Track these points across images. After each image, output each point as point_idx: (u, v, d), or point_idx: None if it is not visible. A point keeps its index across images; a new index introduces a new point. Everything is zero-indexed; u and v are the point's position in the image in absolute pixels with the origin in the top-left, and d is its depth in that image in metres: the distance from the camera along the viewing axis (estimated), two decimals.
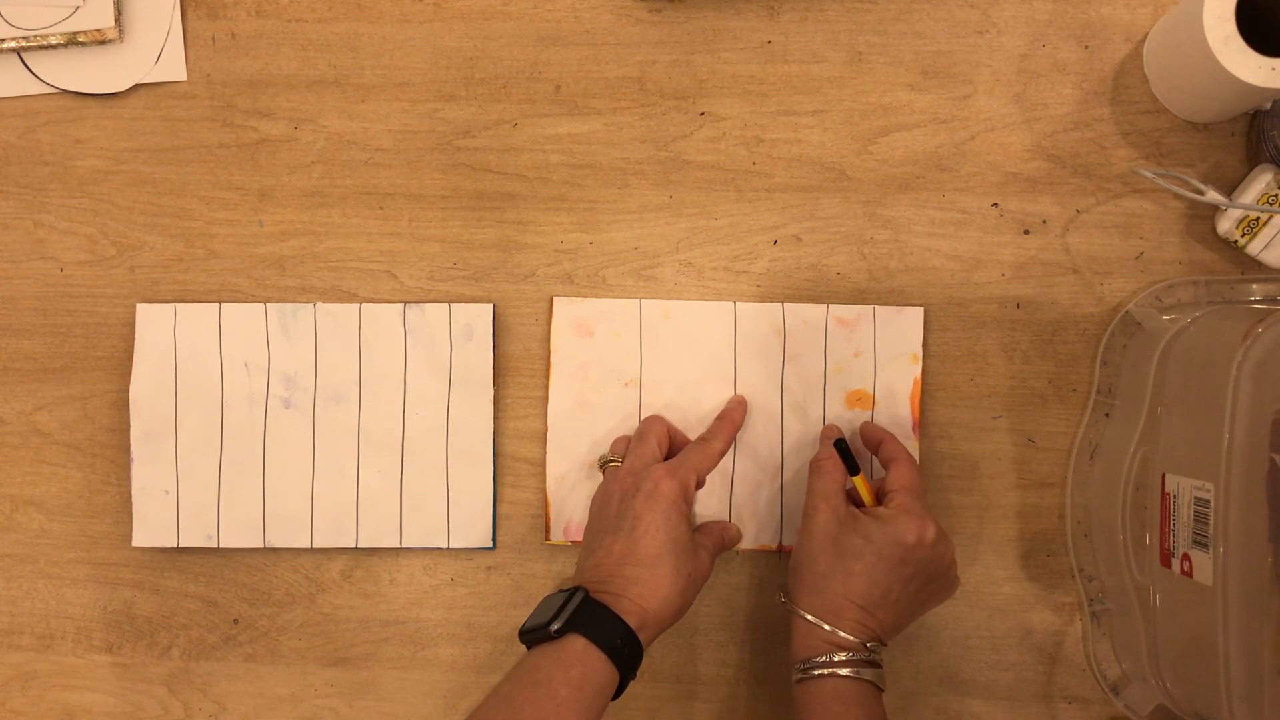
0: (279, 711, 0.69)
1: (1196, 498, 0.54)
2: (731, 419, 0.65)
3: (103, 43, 0.68)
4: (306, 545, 0.68)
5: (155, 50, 0.69)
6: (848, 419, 0.66)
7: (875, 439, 0.64)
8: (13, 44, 0.68)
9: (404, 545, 0.68)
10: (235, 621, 0.69)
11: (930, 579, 0.59)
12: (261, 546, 0.68)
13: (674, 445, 0.65)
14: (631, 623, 0.55)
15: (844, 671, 0.56)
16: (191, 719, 0.69)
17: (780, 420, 0.66)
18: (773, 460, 0.66)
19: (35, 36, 0.68)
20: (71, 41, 0.68)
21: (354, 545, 0.68)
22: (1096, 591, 0.64)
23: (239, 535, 0.68)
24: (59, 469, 0.70)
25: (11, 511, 0.70)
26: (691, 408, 0.67)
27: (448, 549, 0.68)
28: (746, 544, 0.66)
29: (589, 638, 0.54)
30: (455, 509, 0.67)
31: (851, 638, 0.56)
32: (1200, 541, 0.54)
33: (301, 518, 0.68)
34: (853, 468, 0.61)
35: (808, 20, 0.66)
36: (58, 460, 0.70)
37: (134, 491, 0.68)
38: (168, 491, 0.68)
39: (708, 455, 0.62)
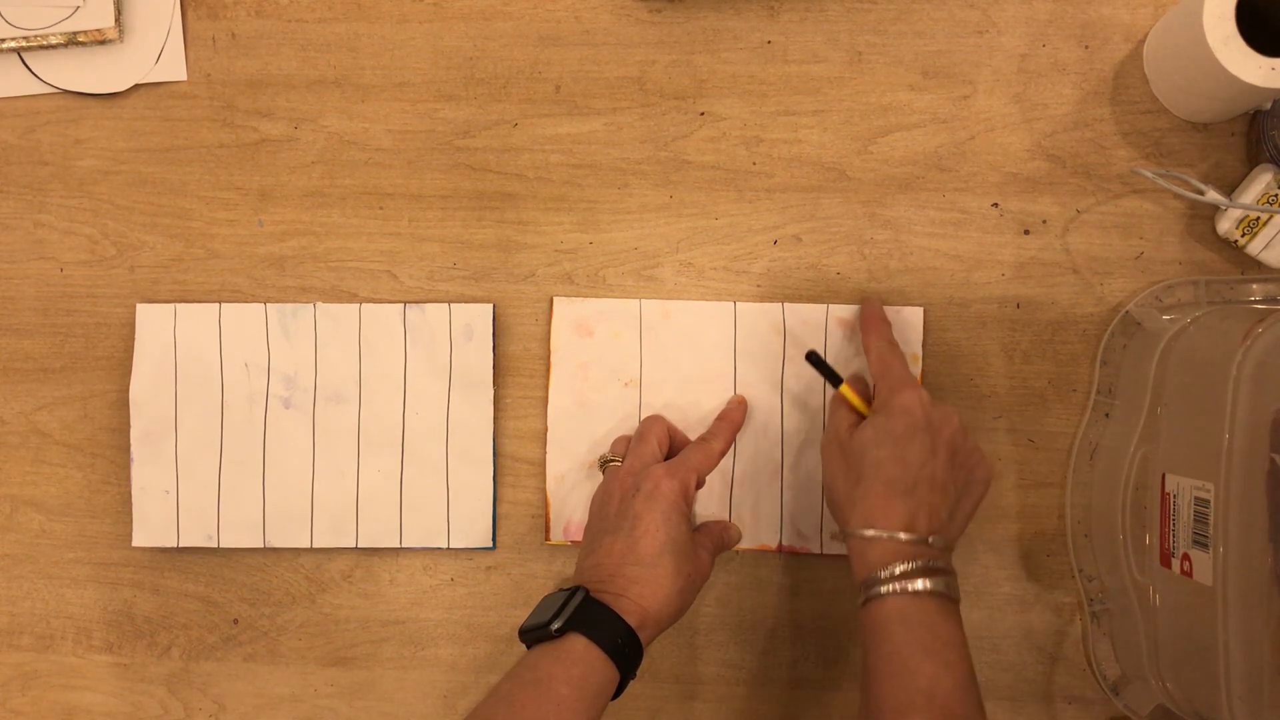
0: (279, 711, 0.69)
1: (1196, 498, 0.54)
2: (732, 419, 0.65)
3: (103, 43, 0.68)
4: (306, 545, 0.68)
5: (155, 50, 0.69)
6: None
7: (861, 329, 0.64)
8: (13, 44, 0.68)
9: (404, 545, 0.68)
10: (235, 621, 0.69)
11: (953, 451, 0.56)
12: (261, 546, 0.68)
13: (674, 445, 0.65)
14: (631, 622, 0.55)
15: (909, 585, 0.51)
16: (191, 719, 0.69)
17: (780, 420, 0.66)
18: (773, 460, 0.66)
19: (35, 36, 0.68)
20: (71, 41, 0.68)
21: (354, 545, 0.68)
22: (1096, 591, 0.64)
23: (239, 535, 0.68)
24: (59, 469, 0.70)
25: (11, 511, 0.70)
26: (691, 408, 0.67)
27: (448, 549, 0.68)
28: (746, 544, 0.66)
29: (589, 637, 0.54)
30: (455, 509, 0.67)
31: (905, 534, 0.53)
32: (1200, 541, 0.54)
33: (301, 518, 0.68)
34: (834, 379, 0.61)
35: (808, 20, 0.66)
36: (58, 460, 0.70)
37: (134, 491, 0.68)
38: (168, 491, 0.68)
39: (708, 455, 0.62)
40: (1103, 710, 0.65)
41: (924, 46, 0.66)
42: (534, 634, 0.55)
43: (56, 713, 0.70)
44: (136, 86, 0.69)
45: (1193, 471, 0.55)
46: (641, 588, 0.56)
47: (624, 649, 0.55)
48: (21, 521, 0.70)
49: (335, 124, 0.68)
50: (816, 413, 0.66)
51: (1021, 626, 0.66)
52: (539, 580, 0.68)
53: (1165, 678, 0.58)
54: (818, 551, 0.66)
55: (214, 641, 0.69)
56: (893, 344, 0.62)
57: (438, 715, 0.68)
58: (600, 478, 0.65)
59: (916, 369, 0.65)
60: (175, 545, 0.68)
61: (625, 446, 0.64)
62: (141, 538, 0.68)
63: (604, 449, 0.66)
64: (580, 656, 0.54)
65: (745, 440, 0.66)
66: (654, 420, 0.65)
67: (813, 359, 0.61)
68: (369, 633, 0.68)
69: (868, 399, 0.61)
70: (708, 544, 0.62)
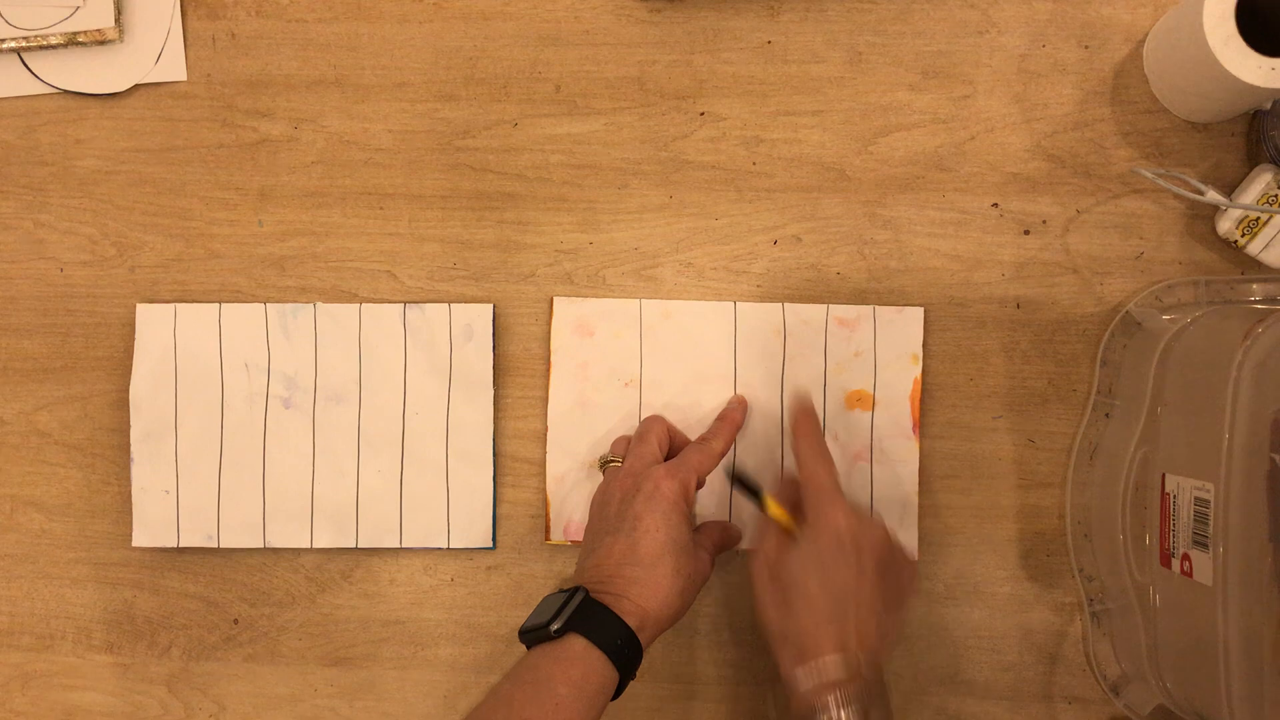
0: (279, 711, 0.69)
1: (1196, 498, 0.54)
2: (732, 419, 0.65)
3: (103, 43, 0.68)
4: (306, 545, 0.68)
5: (155, 50, 0.69)
6: (848, 419, 0.66)
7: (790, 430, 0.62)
8: (13, 44, 0.68)
9: (404, 545, 0.68)
10: (235, 621, 0.69)
11: (881, 565, 0.56)
12: (261, 546, 0.68)
13: (674, 445, 0.65)
14: (631, 623, 0.55)
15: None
16: (191, 719, 0.69)
17: (780, 421, 0.66)
18: (773, 461, 0.66)
19: (35, 36, 0.68)
20: (71, 41, 0.68)
21: (354, 545, 0.68)
22: (1096, 591, 0.64)
23: (239, 535, 0.68)
24: (59, 469, 0.70)
25: (11, 511, 0.70)
26: (691, 408, 0.67)
27: (448, 549, 0.68)
28: (747, 544, 0.66)
29: (589, 638, 0.54)
30: (455, 509, 0.67)
31: (837, 665, 0.53)
32: (1200, 541, 0.54)
33: (301, 518, 0.68)
34: (756, 495, 0.60)
35: (808, 20, 0.66)
36: (58, 460, 0.70)
37: (134, 491, 0.68)
38: (168, 491, 0.68)
39: (708, 456, 0.62)
40: (1103, 710, 0.65)
41: (924, 46, 0.66)
42: (534, 634, 0.55)
43: (56, 713, 0.70)
44: (136, 86, 0.69)
45: (1193, 471, 0.55)
46: (641, 588, 0.56)
47: (624, 650, 0.55)
48: (21, 521, 0.70)
49: (335, 124, 0.68)
50: (817, 412, 0.66)
51: (1021, 626, 0.66)
52: (539, 580, 0.68)
53: (1165, 678, 0.58)
54: None
55: (214, 641, 0.69)
56: (820, 450, 0.60)
57: (438, 715, 0.68)
58: (600, 478, 0.65)
59: (916, 369, 0.65)
60: (175, 545, 0.68)
61: (625, 447, 0.64)
62: (141, 538, 0.68)
63: (604, 449, 0.66)
64: (580, 657, 0.54)
65: (746, 440, 0.66)
66: (654, 420, 0.65)
67: (733, 477, 0.61)
68: (369, 633, 0.68)
69: (794, 505, 0.60)
70: (708, 544, 0.62)
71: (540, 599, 0.59)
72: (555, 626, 0.54)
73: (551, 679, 0.53)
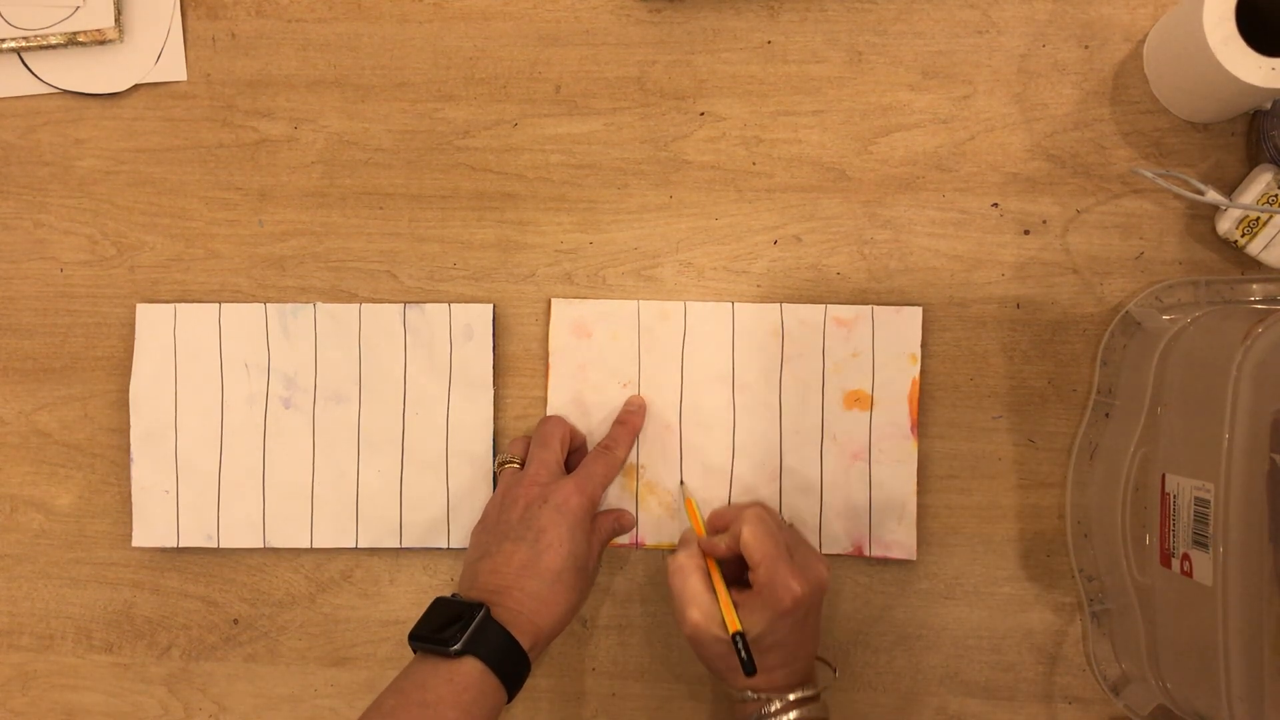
0: (279, 711, 0.69)
1: (1196, 498, 0.54)
2: (632, 424, 0.65)
3: (103, 43, 0.68)
4: (306, 545, 0.68)
5: (155, 50, 0.69)
6: (846, 419, 0.66)
7: (721, 523, 0.62)
8: (13, 44, 0.68)
9: (404, 545, 0.68)
10: (235, 621, 0.69)
11: (817, 604, 0.58)
12: (261, 546, 0.68)
13: (572, 445, 0.65)
14: (525, 643, 0.55)
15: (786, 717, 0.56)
16: (191, 719, 0.69)
17: (779, 421, 0.66)
18: (771, 461, 0.66)
19: (35, 36, 0.68)
20: (71, 41, 0.68)
21: (354, 545, 0.68)
22: (1096, 591, 0.64)
23: (239, 535, 0.68)
24: (59, 469, 0.70)
25: (11, 511, 0.70)
26: (690, 409, 0.67)
27: (448, 549, 0.68)
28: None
29: (485, 661, 0.54)
30: (455, 509, 0.67)
31: (785, 695, 0.57)
32: (1200, 541, 0.54)
33: (301, 518, 0.68)
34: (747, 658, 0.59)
35: (808, 20, 0.66)
36: (58, 460, 0.70)
37: (134, 491, 0.68)
38: (168, 491, 0.68)
39: (612, 465, 0.63)
40: (1103, 710, 0.65)
41: (924, 46, 0.66)
42: (428, 648, 0.55)
43: (56, 713, 0.70)
44: (136, 86, 0.69)
45: (1193, 471, 0.55)
46: (538, 605, 0.57)
47: (516, 671, 0.55)
48: (21, 521, 0.70)
49: (335, 124, 0.68)
50: (815, 412, 0.66)
51: (1021, 626, 0.66)
52: None
53: (1165, 678, 0.58)
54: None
55: (214, 641, 0.69)
56: (754, 517, 0.59)
57: None
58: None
59: (915, 369, 0.65)
60: (175, 545, 0.68)
61: (523, 448, 0.65)
62: (141, 538, 0.68)
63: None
64: (473, 682, 0.53)
65: (743, 442, 0.66)
66: (555, 422, 0.65)
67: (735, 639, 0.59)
68: (369, 633, 0.68)
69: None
70: (602, 537, 0.63)
71: (433, 601, 0.58)
72: (455, 648, 0.53)
73: (441, 702, 0.52)
